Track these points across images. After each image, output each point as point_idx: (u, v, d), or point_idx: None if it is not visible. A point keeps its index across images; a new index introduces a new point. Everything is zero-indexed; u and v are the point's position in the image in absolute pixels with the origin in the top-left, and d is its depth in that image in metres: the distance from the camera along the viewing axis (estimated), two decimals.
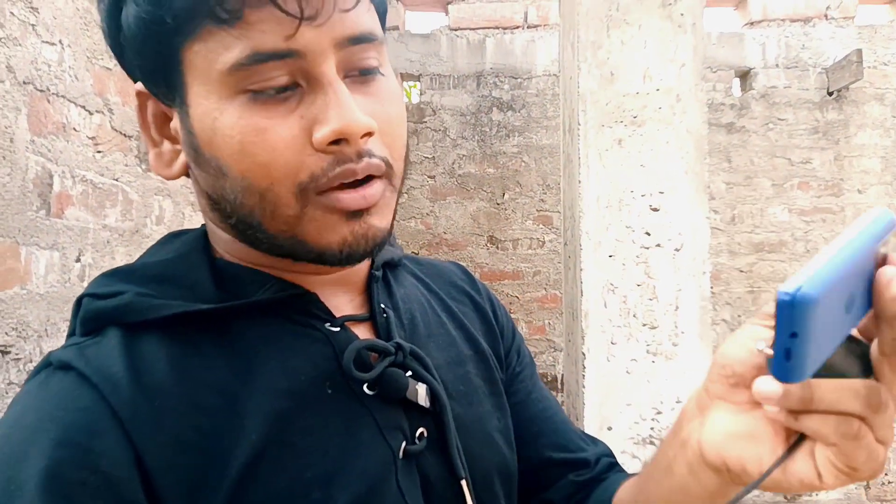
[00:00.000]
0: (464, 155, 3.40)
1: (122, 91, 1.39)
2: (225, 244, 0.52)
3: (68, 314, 1.19)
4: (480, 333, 0.65)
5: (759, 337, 0.40)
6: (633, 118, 1.79)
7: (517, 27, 3.43)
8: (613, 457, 0.67)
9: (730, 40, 3.31)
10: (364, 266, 0.57)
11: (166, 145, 0.51)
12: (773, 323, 0.37)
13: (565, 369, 2.00)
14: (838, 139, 3.28)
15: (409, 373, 0.53)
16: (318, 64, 0.45)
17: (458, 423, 0.55)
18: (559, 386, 3.30)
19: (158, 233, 1.55)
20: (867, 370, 0.40)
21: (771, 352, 0.37)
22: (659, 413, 1.70)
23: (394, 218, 0.51)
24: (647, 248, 1.77)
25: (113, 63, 1.34)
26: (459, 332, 0.63)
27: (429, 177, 3.40)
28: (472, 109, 3.40)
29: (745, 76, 3.37)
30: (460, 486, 0.53)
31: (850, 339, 0.40)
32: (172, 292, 0.49)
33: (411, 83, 3.61)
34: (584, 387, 1.75)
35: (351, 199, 0.46)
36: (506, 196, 3.43)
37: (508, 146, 3.42)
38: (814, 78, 3.29)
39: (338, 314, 0.53)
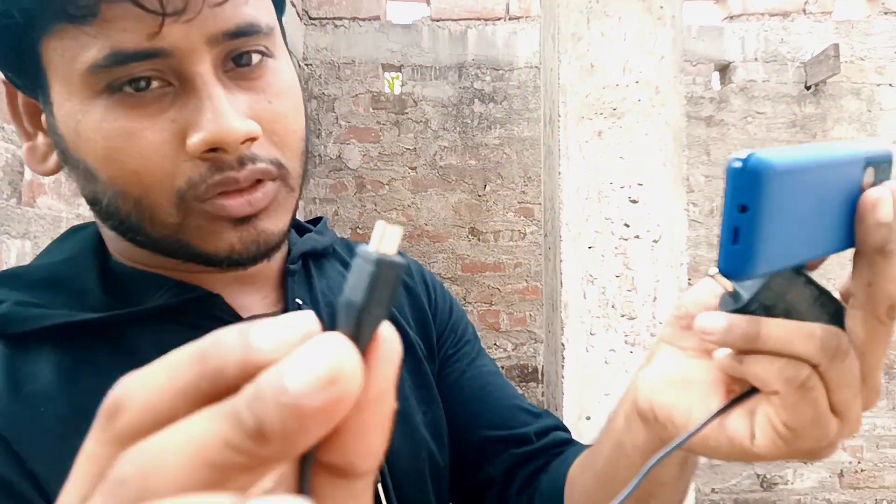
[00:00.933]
0: (445, 146, 3.39)
1: None
2: (116, 245, 0.50)
3: None
4: (411, 320, 0.63)
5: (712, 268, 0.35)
6: (613, 110, 1.80)
7: (499, 19, 3.43)
8: (566, 430, 0.63)
9: (709, 34, 3.33)
10: (277, 259, 0.54)
11: (41, 138, 0.47)
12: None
13: (545, 360, 2.01)
14: (815, 133, 3.31)
15: None
16: (190, 63, 0.41)
17: None
18: (539, 377, 3.31)
19: None
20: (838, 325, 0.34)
21: (727, 284, 0.33)
22: None
23: (294, 216, 0.49)
24: (626, 240, 1.78)
25: None
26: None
27: (410, 168, 3.39)
28: (453, 101, 3.39)
29: (724, 70, 3.39)
30: (377, 490, 0.50)
31: (824, 291, 0.35)
32: (59, 299, 0.46)
33: (393, 74, 3.60)
34: (563, 377, 1.76)
35: (237, 204, 0.43)
36: (487, 188, 3.43)
37: (490, 138, 3.42)
38: (792, 72, 3.33)
39: (246, 314, 0.51)
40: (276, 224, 0.46)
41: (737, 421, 0.35)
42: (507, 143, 3.42)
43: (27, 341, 0.44)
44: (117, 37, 0.39)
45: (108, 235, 0.50)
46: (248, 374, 0.17)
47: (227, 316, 0.49)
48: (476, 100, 3.42)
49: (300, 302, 0.53)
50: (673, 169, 1.79)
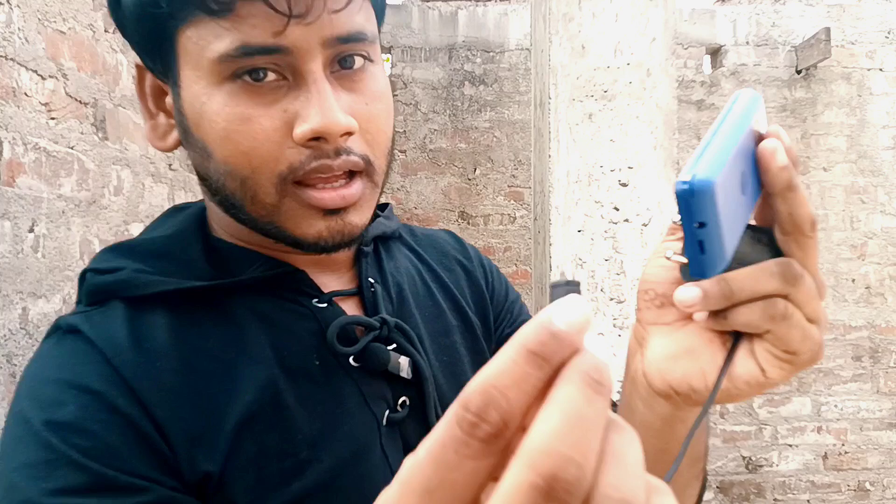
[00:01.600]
0: (435, 129, 3.37)
1: (77, 56, 1.33)
2: (220, 221, 0.56)
3: (21, 285, 1.15)
4: (470, 301, 0.67)
5: (668, 250, 0.41)
6: (604, 92, 1.78)
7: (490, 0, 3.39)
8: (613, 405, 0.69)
9: (701, 17, 3.31)
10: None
11: (162, 118, 0.54)
12: (679, 234, 0.36)
13: None
14: (805, 117, 3.31)
15: (394, 346, 0.56)
16: (305, 61, 0.46)
17: (441, 392, 0.58)
18: None
19: (117, 204, 1.50)
20: (776, 254, 0.39)
21: (681, 258, 0.37)
22: None
23: (374, 211, 0.55)
24: (616, 224, 1.77)
25: (67, 26, 1.29)
26: (448, 303, 0.65)
27: (400, 151, 3.37)
28: (443, 83, 3.36)
29: (715, 53, 3.38)
30: None
31: (752, 227, 0.39)
32: (169, 268, 0.52)
33: (383, 56, 3.56)
34: None
35: (330, 198, 0.48)
36: (477, 171, 3.41)
37: (480, 121, 3.40)
38: (783, 56, 3.32)
39: (326, 290, 0.56)
40: (360, 218, 0.51)
41: (744, 365, 0.40)
42: (497, 126, 3.40)
43: (144, 304, 0.51)
44: (247, 32, 0.45)
45: (216, 213, 0.56)
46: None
47: (311, 290, 0.55)
48: (466, 82, 3.39)
49: (372, 281, 0.59)
50: (663, 152, 1.78)
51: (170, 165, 1.77)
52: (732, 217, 0.35)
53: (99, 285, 0.52)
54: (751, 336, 0.40)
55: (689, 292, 0.38)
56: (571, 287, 0.27)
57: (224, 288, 0.52)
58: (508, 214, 3.42)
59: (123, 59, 1.53)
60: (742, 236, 0.38)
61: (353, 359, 0.53)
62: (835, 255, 3.29)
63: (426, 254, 0.69)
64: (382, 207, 0.68)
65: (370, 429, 0.53)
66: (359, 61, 0.49)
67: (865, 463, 3.33)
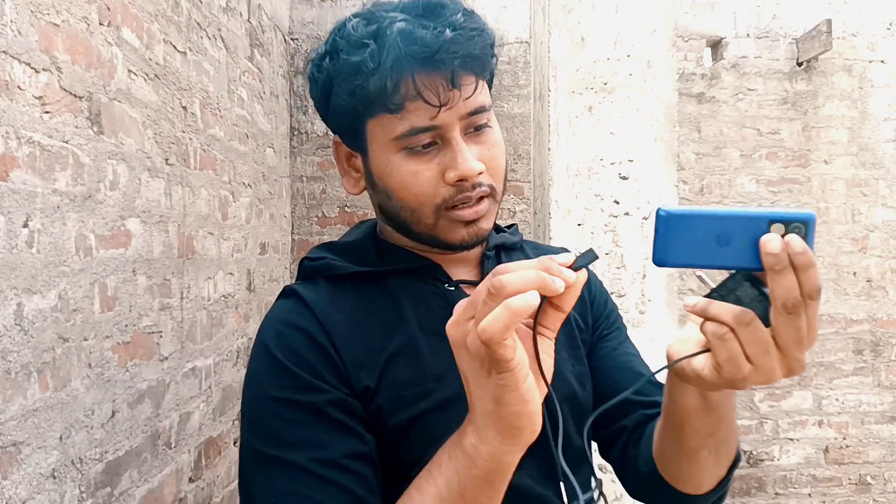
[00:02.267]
0: None
1: (71, 49, 1.32)
2: (387, 231, 0.84)
3: (16, 281, 1.14)
4: (577, 318, 0.89)
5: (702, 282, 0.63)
6: (604, 85, 1.76)
7: None
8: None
9: (701, 8, 3.29)
10: (479, 248, 0.85)
11: (353, 173, 0.82)
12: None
13: None
14: (806, 110, 3.29)
15: None
16: (449, 131, 0.72)
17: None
18: None
19: (113, 199, 1.49)
20: (765, 316, 0.55)
21: (701, 275, 0.62)
22: None
23: (496, 218, 0.79)
24: (616, 217, 1.76)
25: (60, 19, 1.27)
26: None
27: None
28: None
29: (716, 46, 3.35)
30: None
31: (755, 280, 0.56)
32: (353, 259, 0.81)
33: None
34: None
35: (468, 214, 0.74)
36: None
37: None
38: (784, 48, 3.30)
39: (456, 278, 0.82)
40: (487, 224, 0.77)
41: (698, 361, 0.59)
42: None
43: (337, 281, 0.80)
44: (413, 119, 0.71)
45: (385, 226, 0.84)
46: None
47: (444, 278, 0.81)
48: None
49: None
50: (664, 145, 1.76)
51: (166, 160, 1.76)
52: (694, 248, 0.55)
53: (310, 268, 0.82)
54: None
55: (691, 300, 0.57)
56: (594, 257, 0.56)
57: (386, 273, 0.80)
58: (508, 209, 3.40)
59: (118, 53, 1.52)
60: (749, 288, 0.56)
61: None
62: (836, 248, 3.28)
63: None
64: (510, 226, 0.92)
65: None
66: (482, 128, 0.75)
67: (867, 456, 3.32)
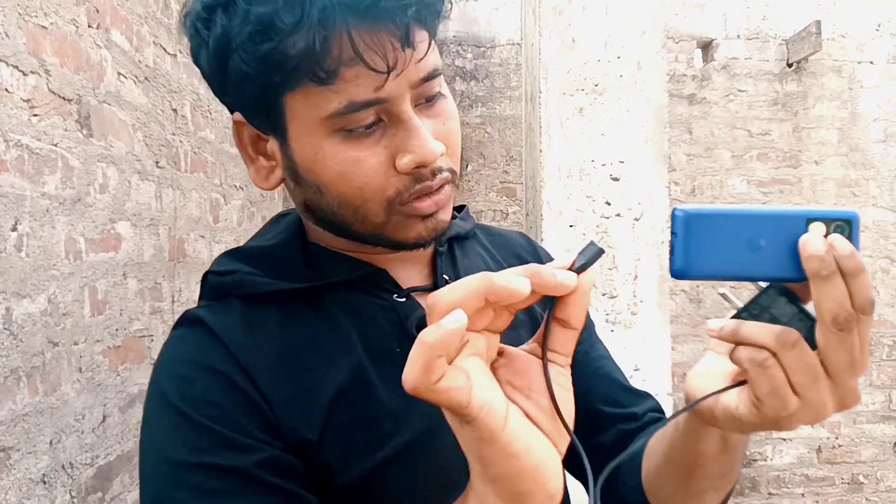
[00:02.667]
0: None
1: (60, 51, 1.31)
2: (314, 231, 0.66)
3: (5, 285, 1.14)
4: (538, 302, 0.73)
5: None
6: (595, 86, 1.77)
7: None
8: (661, 411, 0.76)
9: (691, 10, 3.31)
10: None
11: (262, 161, 0.62)
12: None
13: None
14: (797, 111, 3.31)
15: None
16: (399, 104, 0.55)
17: None
18: None
19: (103, 202, 1.48)
20: (810, 337, 0.45)
21: (725, 292, 0.51)
22: None
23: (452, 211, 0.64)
24: (608, 218, 1.76)
25: (48, 21, 1.27)
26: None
27: None
28: None
29: (706, 47, 3.37)
30: None
31: (805, 312, 0.47)
32: (275, 270, 0.63)
33: None
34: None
35: (427, 206, 0.58)
36: (469, 167, 3.40)
37: (472, 117, 3.39)
38: (774, 49, 3.32)
39: (405, 285, 0.66)
40: (447, 215, 0.61)
41: (730, 398, 0.48)
42: (488, 122, 3.38)
43: (255, 300, 0.62)
44: (352, 91, 0.53)
45: (311, 225, 0.66)
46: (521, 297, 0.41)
47: (392, 286, 0.65)
48: (457, 77, 3.37)
49: (447, 277, 0.68)
50: (654, 146, 1.77)
51: (157, 163, 1.75)
52: (719, 255, 0.46)
53: (219, 285, 0.64)
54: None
55: (715, 323, 0.48)
56: (591, 250, 0.44)
57: (319, 288, 0.63)
58: (501, 210, 3.41)
59: (108, 55, 1.51)
60: (785, 305, 0.47)
61: None
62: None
63: (499, 254, 0.77)
64: (459, 209, 0.77)
65: None
66: (436, 97, 0.58)
67: (859, 456, 3.34)
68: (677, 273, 0.46)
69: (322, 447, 0.57)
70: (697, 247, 0.46)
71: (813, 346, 0.45)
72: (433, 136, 0.56)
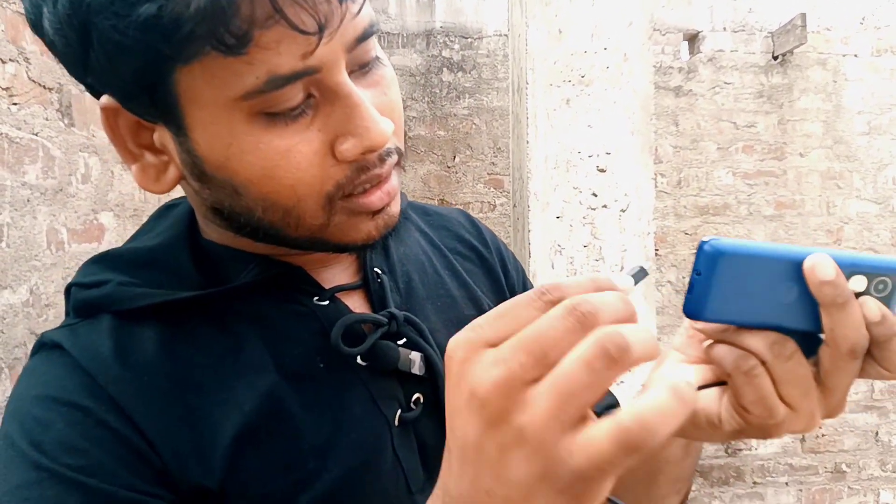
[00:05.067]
0: (414, 117, 3.34)
1: (40, 39, 1.30)
2: (206, 226, 0.53)
3: None
4: (486, 290, 0.65)
5: None
6: (581, 77, 1.77)
7: None
8: (616, 402, 0.69)
9: (678, 3, 3.31)
10: None
11: (149, 157, 0.47)
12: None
13: None
14: (782, 103, 3.33)
15: (404, 340, 0.54)
16: (334, 75, 0.42)
17: None
18: None
19: (85, 192, 1.47)
20: (807, 348, 0.42)
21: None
22: None
23: None
24: (594, 209, 1.77)
25: None
26: (461, 292, 0.63)
27: None
28: (421, 70, 3.34)
29: (693, 39, 3.38)
30: None
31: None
32: (157, 278, 0.50)
33: None
34: None
35: (377, 199, 0.47)
36: (456, 159, 3.39)
37: (459, 108, 3.38)
38: (760, 42, 3.33)
39: (329, 285, 0.54)
40: (398, 206, 0.50)
41: (710, 404, 0.44)
42: (476, 114, 3.38)
43: (132, 317, 0.48)
44: (273, 61, 0.39)
45: (202, 219, 0.53)
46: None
47: (312, 287, 0.53)
48: (444, 69, 3.36)
49: (378, 271, 0.57)
50: (641, 138, 1.77)
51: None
52: (745, 300, 0.40)
53: (85, 300, 0.50)
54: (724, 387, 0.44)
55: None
56: (640, 274, 0.39)
57: (215, 296, 0.49)
58: (488, 202, 3.41)
59: None
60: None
61: (361, 357, 0.51)
62: (811, 240, 3.32)
63: (438, 238, 0.66)
64: None
65: (381, 432, 0.51)
66: (372, 54, 0.47)
67: (842, 445, 3.38)
68: (692, 314, 0.41)
69: (229, 498, 0.45)
70: (722, 289, 0.40)
71: (807, 354, 0.41)
72: (381, 115, 0.45)
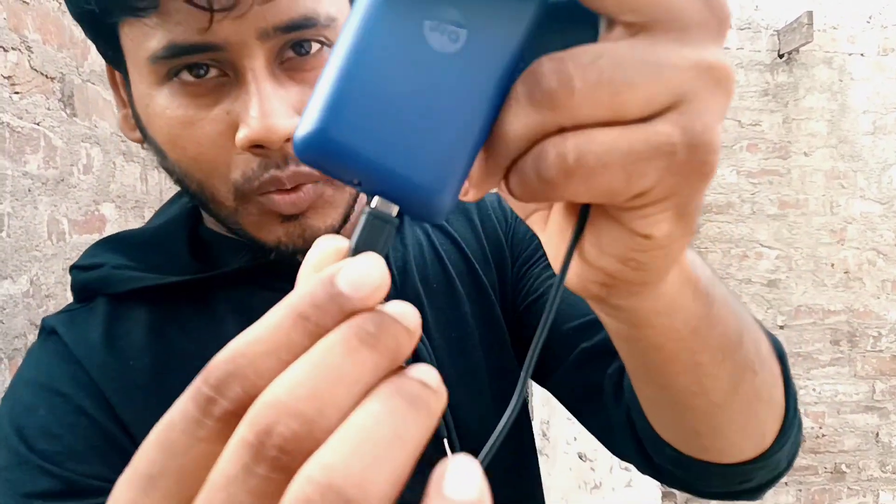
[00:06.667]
0: None
1: (42, 28, 1.28)
2: (206, 215, 0.55)
3: None
4: (487, 255, 0.62)
5: None
6: None
7: None
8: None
9: None
10: (349, 224, 0.53)
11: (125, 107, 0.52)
12: None
13: None
14: (787, 102, 3.32)
15: None
16: (241, 57, 0.42)
17: (446, 376, 0.55)
18: None
19: (86, 183, 1.46)
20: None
21: None
22: None
23: (350, 209, 0.50)
24: None
25: None
26: (460, 266, 0.61)
27: None
28: None
29: None
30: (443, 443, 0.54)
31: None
32: (154, 261, 0.52)
33: None
34: None
35: (284, 203, 0.45)
36: None
37: None
38: (766, 40, 3.31)
39: None
40: (324, 221, 0.48)
41: (582, 272, 0.29)
42: None
43: (125, 300, 0.50)
44: (173, 30, 0.41)
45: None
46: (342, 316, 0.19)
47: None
48: None
49: None
50: None
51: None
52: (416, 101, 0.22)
53: (83, 282, 0.52)
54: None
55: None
56: (385, 223, 0.22)
57: (206, 281, 0.51)
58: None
59: None
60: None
61: None
62: (814, 240, 3.31)
63: (436, 236, 0.63)
64: None
65: None
66: (314, 46, 0.44)
67: (842, 446, 3.37)
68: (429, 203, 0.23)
69: None
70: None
71: None
72: (296, 109, 0.43)
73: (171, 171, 0.49)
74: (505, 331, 0.61)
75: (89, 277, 0.52)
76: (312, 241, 0.42)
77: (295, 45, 0.44)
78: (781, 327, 3.26)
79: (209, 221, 0.55)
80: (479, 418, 0.55)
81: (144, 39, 0.43)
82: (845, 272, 3.33)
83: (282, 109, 0.42)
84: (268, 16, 0.42)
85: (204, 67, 0.43)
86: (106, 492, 0.39)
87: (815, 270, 3.32)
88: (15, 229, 1.19)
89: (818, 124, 3.33)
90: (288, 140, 0.43)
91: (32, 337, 1.25)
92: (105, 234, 1.53)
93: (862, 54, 3.34)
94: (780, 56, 3.30)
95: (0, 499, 0.44)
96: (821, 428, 3.36)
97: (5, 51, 1.17)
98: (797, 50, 3.24)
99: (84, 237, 1.44)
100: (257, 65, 0.43)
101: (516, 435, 0.61)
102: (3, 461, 0.45)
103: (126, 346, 0.49)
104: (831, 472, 3.37)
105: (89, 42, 1.49)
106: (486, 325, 0.60)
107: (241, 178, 0.45)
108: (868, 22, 3.34)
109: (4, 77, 1.16)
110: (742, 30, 3.31)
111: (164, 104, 0.44)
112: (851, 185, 3.34)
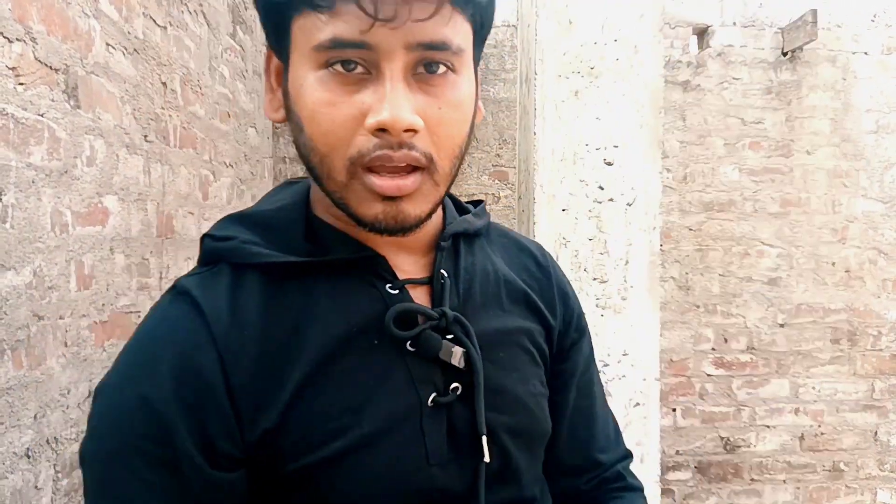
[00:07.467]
0: None
1: (47, 19, 1.28)
2: (321, 199, 0.62)
3: None
4: (538, 319, 0.72)
5: None
6: (591, 69, 1.75)
7: None
8: (626, 461, 0.77)
9: None
10: (432, 232, 0.66)
11: (279, 93, 0.60)
12: None
13: None
14: (790, 100, 3.31)
15: (451, 336, 0.61)
16: (385, 59, 0.52)
17: (494, 385, 0.63)
18: None
19: (90, 175, 1.46)
20: None
21: None
22: (606, 365, 1.72)
23: (437, 206, 0.59)
24: (600, 203, 1.76)
25: None
26: (517, 308, 0.70)
27: None
28: None
29: (702, 34, 3.35)
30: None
31: None
32: (273, 239, 0.60)
33: None
34: None
35: (387, 186, 0.54)
36: None
37: None
38: (769, 37, 3.30)
39: (402, 275, 0.63)
40: (415, 209, 0.56)
41: None
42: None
43: (246, 271, 0.59)
44: (340, 27, 0.52)
45: (316, 191, 0.63)
46: None
47: (388, 274, 0.61)
48: None
49: (444, 273, 0.64)
50: (649, 131, 1.76)
51: (145, 137, 1.73)
52: None
53: (213, 250, 0.61)
54: None
55: None
56: None
57: (312, 266, 0.59)
58: (493, 194, 3.40)
59: (96, 25, 1.48)
60: None
61: (410, 343, 0.59)
62: (816, 239, 3.31)
63: (504, 257, 0.73)
64: (476, 204, 0.74)
65: (412, 407, 0.59)
66: (441, 68, 0.55)
67: (841, 444, 3.38)
68: None
69: (280, 433, 0.55)
70: None
71: None
72: (415, 111, 0.53)
73: (301, 146, 0.57)
74: (547, 371, 0.72)
75: (221, 247, 0.61)
76: (403, 223, 0.56)
77: (427, 64, 0.54)
78: (782, 325, 3.26)
79: (318, 209, 0.63)
80: (522, 426, 0.66)
81: (314, 31, 0.53)
82: (846, 271, 3.33)
83: (407, 107, 0.52)
84: (416, 32, 0.52)
85: (354, 63, 0.53)
86: (201, 472, 0.53)
87: (816, 269, 3.32)
88: (18, 220, 1.20)
89: (821, 123, 3.32)
90: (406, 131, 0.52)
91: (36, 328, 1.26)
92: (108, 227, 1.54)
93: (866, 53, 3.33)
94: (784, 54, 3.29)
95: (122, 437, 0.53)
96: (819, 426, 3.37)
97: (10, 42, 1.17)
98: (801, 48, 3.24)
99: (87, 229, 1.44)
100: (396, 68, 0.53)
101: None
102: (121, 400, 0.54)
103: (244, 318, 0.57)
104: (829, 470, 3.38)
105: (94, 34, 1.49)
106: (534, 357, 0.70)
107: (357, 154, 0.54)
108: (872, 20, 3.34)
109: (9, 68, 1.16)
110: (746, 27, 3.30)
111: (315, 85, 0.54)
112: (854, 184, 3.34)
